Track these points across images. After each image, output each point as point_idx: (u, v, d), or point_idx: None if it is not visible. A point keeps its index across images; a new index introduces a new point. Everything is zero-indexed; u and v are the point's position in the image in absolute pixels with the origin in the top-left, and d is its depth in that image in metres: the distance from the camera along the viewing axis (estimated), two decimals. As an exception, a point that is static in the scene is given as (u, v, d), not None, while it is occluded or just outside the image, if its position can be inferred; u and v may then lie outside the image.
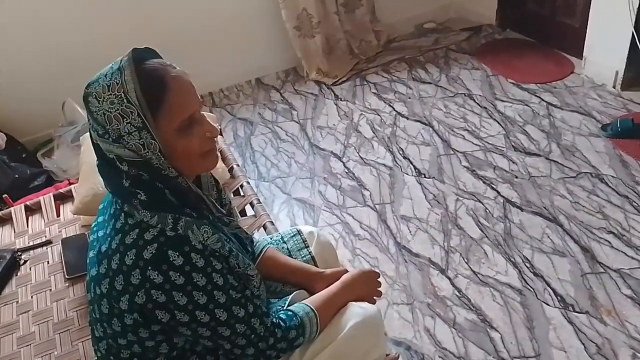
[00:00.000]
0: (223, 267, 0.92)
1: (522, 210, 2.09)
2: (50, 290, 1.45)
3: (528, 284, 1.80)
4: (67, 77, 2.39)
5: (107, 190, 0.94)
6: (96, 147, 0.90)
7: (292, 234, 1.34)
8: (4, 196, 1.98)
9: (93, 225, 0.99)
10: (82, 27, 2.71)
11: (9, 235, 1.63)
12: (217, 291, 0.90)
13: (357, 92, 3.01)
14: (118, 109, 0.84)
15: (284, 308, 1.11)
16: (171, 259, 0.86)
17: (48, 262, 1.53)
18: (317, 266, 1.29)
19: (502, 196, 2.17)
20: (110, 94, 0.84)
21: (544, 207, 2.08)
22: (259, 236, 1.40)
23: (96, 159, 0.92)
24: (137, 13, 2.80)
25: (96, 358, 1.02)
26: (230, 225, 1.05)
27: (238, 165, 1.79)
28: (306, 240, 1.33)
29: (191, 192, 0.94)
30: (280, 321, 1.04)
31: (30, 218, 1.69)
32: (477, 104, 2.73)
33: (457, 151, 2.45)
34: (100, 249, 0.92)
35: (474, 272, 1.88)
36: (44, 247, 1.57)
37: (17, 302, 1.42)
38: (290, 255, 1.29)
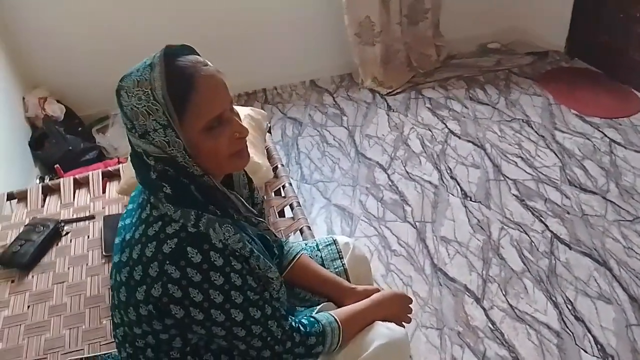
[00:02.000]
0: (242, 268, 0.90)
1: (570, 248, 1.99)
2: (87, 264, 1.47)
3: (567, 327, 1.71)
4: (130, 59, 2.45)
5: (137, 180, 0.95)
6: (128, 139, 0.90)
7: (327, 243, 1.31)
8: (55, 166, 2.04)
9: (124, 212, 0.99)
10: (147, 10, 2.78)
11: (55, 205, 1.68)
12: (234, 291, 0.88)
13: (410, 105, 2.95)
14: (145, 105, 0.84)
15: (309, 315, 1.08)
16: (189, 256, 0.85)
17: (88, 237, 1.56)
18: (348, 279, 1.26)
19: (550, 231, 2.07)
20: (139, 90, 0.84)
21: (594, 249, 1.97)
22: (294, 240, 1.39)
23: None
24: (204, 3, 2.84)
25: (115, 343, 1.02)
26: (259, 226, 1.03)
27: (282, 165, 1.78)
28: (341, 251, 1.30)
29: (217, 191, 0.93)
30: (300, 326, 1.02)
31: (77, 191, 1.73)
32: (535, 131, 2.63)
33: (508, 178, 2.36)
34: (125, 236, 0.92)
35: (511, 306, 1.80)
36: (86, 222, 1.60)
37: (54, 271, 1.46)
38: (323, 264, 1.27)
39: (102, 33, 2.76)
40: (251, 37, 2.98)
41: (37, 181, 2.17)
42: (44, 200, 1.70)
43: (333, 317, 1.07)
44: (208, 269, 0.86)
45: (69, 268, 1.46)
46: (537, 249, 2.00)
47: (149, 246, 0.87)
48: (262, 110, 1.85)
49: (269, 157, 1.81)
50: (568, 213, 2.14)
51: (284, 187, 1.69)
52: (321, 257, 1.29)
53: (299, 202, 1.62)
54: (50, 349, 1.26)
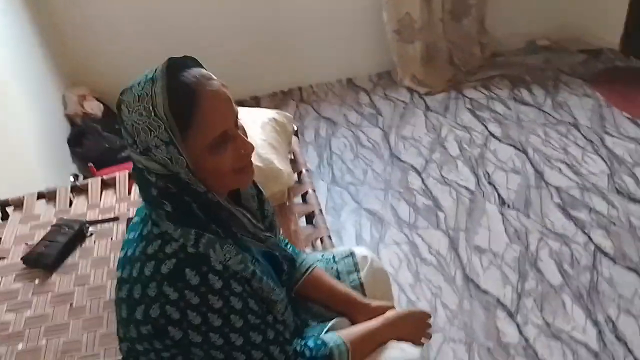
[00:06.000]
0: (243, 290, 0.87)
1: (614, 263, 1.86)
2: (109, 267, 1.48)
3: (607, 348, 1.61)
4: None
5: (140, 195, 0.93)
6: (129, 154, 0.88)
7: (344, 255, 1.26)
8: (89, 165, 2.08)
9: (130, 225, 0.98)
10: (189, 11, 2.79)
11: (82, 205, 1.70)
12: (233, 315, 0.85)
13: (450, 105, 2.85)
14: (146, 122, 0.81)
15: (320, 335, 1.04)
16: (187, 278, 0.83)
17: (112, 239, 1.57)
18: (364, 293, 1.20)
19: (593, 243, 1.95)
20: (139, 106, 0.81)
21: (642, 265, 1.84)
22: (311, 250, 1.35)
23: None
24: (242, 2, 2.82)
25: (122, 357, 1.01)
26: (266, 242, 0.99)
27: (308, 170, 1.74)
28: (358, 264, 1.24)
29: (221, 208, 0.90)
30: (305, 350, 0.98)
31: (104, 192, 1.75)
32: (583, 135, 2.48)
33: (550, 185, 2.23)
34: (127, 252, 0.91)
35: (546, 322, 1.70)
36: (111, 223, 1.62)
37: (77, 273, 1.47)
38: (338, 277, 1.22)
39: (142, 32, 2.80)
40: (287, 35, 2.95)
41: (71, 179, 2.22)
42: (72, 200, 1.73)
43: (342, 339, 1.02)
44: (206, 291, 0.83)
45: (91, 270, 1.48)
46: (579, 263, 1.88)
47: (148, 265, 0.85)
48: (287, 114, 1.81)
49: (295, 161, 1.78)
50: (614, 224, 2.01)
51: (306, 193, 1.65)
52: (337, 269, 1.24)
53: (321, 210, 1.57)
54: (67, 351, 1.27)
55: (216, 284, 0.84)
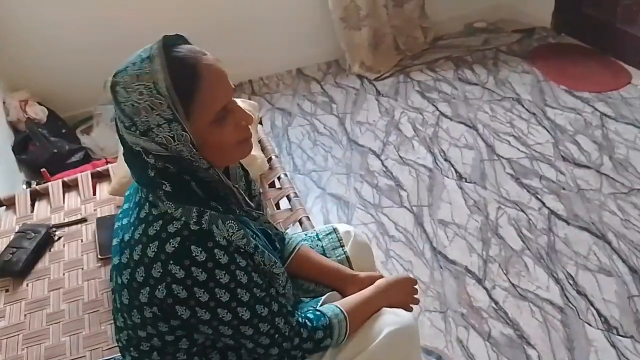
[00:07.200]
0: (247, 265, 0.88)
1: (568, 224, 1.99)
2: (82, 269, 1.44)
3: (570, 302, 1.71)
4: (112, 55, 2.38)
5: (132, 178, 0.91)
6: (121, 138, 0.86)
7: (327, 232, 1.29)
8: (41, 170, 1.99)
9: (119, 212, 0.96)
10: (130, 5, 2.71)
11: (45, 210, 1.63)
12: (240, 289, 0.86)
13: (400, 89, 2.93)
14: (147, 100, 0.80)
15: (315, 309, 1.06)
16: (194, 254, 0.82)
17: (82, 241, 1.52)
18: (351, 267, 1.23)
19: (547, 207, 2.07)
20: (139, 84, 0.80)
21: (592, 223, 1.97)
22: (292, 232, 1.36)
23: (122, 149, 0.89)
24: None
25: (119, 347, 0.99)
26: (259, 219, 1.00)
27: (277, 156, 1.75)
28: (342, 239, 1.27)
29: (220, 185, 0.90)
30: (307, 321, 1.00)
31: (67, 194, 1.68)
32: (526, 109, 2.62)
33: (502, 157, 2.35)
34: (124, 237, 0.89)
35: (512, 284, 1.80)
36: (79, 225, 1.56)
37: (49, 278, 1.42)
38: (324, 254, 1.24)
39: (81, 32, 2.68)
40: (234, 28, 2.92)
41: (24, 186, 2.11)
42: (33, 205, 1.65)
43: (339, 308, 1.05)
44: (213, 267, 0.83)
45: (64, 273, 1.42)
46: (535, 227, 2.00)
47: (151, 246, 0.84)
48: (252, 102, 1.81)
49: (262, 148, 1.78)
50: (564, 189, 2.14)
51: (279, 178, 1.66)
52: (322, 246, 1.26)
53: (296, 193, 1.59)
54: (50, 357, 1.23)
55: (222, 259, 0.84)
